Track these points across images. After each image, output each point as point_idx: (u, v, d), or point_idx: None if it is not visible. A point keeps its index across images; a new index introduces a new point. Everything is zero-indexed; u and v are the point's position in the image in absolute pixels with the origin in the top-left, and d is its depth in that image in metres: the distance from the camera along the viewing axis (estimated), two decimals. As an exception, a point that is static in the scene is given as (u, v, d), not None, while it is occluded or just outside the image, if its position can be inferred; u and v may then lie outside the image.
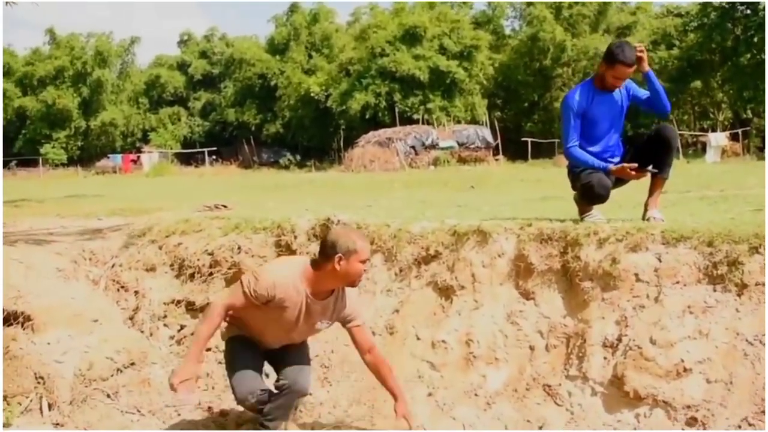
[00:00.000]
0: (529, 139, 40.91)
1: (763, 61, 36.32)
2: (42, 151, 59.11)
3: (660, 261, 4.71)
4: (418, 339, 5.20)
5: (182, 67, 64.32)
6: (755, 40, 38.22)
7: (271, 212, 7.67)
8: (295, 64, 54.43)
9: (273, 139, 56.16)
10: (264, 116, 56.79)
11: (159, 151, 57.22)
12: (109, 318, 6.18)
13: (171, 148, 58.81)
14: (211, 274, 6.63)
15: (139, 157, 55.03)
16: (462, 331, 5.09)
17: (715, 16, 41.53)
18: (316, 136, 50.49)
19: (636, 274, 4.73)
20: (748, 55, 39.74)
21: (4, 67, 61.24)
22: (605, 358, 4.60)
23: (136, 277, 7.06)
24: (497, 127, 41.98)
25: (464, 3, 53.78)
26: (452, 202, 9.49)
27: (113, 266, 7.21)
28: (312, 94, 49.16)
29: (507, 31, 54.43)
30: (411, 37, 45.89)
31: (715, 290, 4.53)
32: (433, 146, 37.59)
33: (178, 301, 6.65)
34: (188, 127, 62.58)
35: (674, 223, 5.18)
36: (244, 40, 62.00)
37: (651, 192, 5.53)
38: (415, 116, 43.43)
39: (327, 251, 4.01)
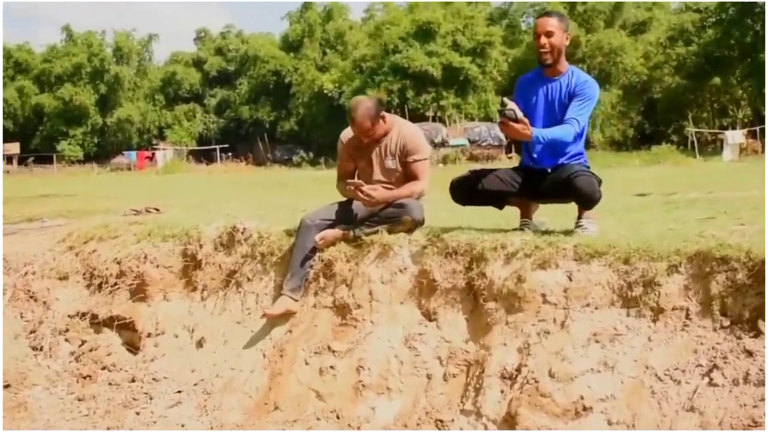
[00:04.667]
0: (543, 137, 40.02)
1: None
2: (59, 147, 59.29)
3: (570, 280, 4.13)
4: (307, 364, 4.64)
5: (198, 63, 64.09)
6: (775, 35, 37.15)
7: (206, 215, 7.14)
8: (309, 61, 54.03)
9: (287, 137, 55.78)
10: (278, 113, 56.47)
11: (174, 148, 57.14)
12: (-7, 334, 5.70)
13: (186, 145, 58.67)
14: (116, 284, 6.12)
15: (153, 154, 55.00)
16: (354, 356, 4.52)
17: (733, 11, 40.36)
18: (329, 133, 49.93)
19: (543, 295, 4.16)
20: (768, 51, 38.68)
21: (21, 64, 61.60)
22: (502, 391, 4.02)
23: (48, 286, 6.57)
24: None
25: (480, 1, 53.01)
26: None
27: (25, 274, 6.73)
28: (326, 91, 48.64)
29: (523, 27, 53.51)
30: (424, 34, 45.22)
31: (628, 315, 3.94)
32: (443, 144, 36.96)
33: (83, 314, 6.15)
34: (203, 124, 62.38)
35: (601, 234, 4.57)
36: (259, 37, 61.66)
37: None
38: (428, 113, 42.80)
39: None
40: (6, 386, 5.22)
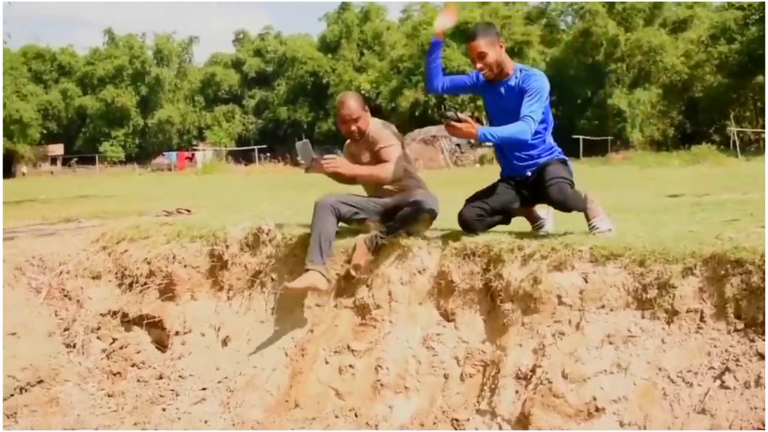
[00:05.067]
0: (581, 137, 39.72)
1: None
2: (101, 148, 60.36)
3: (586, 281, 4.15)
4: (327, 363, 4.72)
5: (237, 65, 64.85)
6: (820, 32, 36.43)
7: (234, 216, 7.26)
8: (347, 62, 54.34)
9: (325, 137, 56.10)
10: (316, 114, 56.90)
11: (213, 149, 57.81)
12: (29, 331, 5.88)
13: (225, 146, 59.32)
14: (146, 284, 6.27)
15: (193, 154, 55.74)
16: (373, 355, 4.59)
17: (778, 8, 39.76)
18: (367, 133, 50.15)
19: (559, 296, 4.18)
20: (813, 49, 37.95)
21: (65, 66, 62.67)
22: (517, 391, 4.06)
23: (81, 285, 6.74)
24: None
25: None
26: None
27: (60, 273, 6.90)
28: (363, 92, 48.85)
29: (561, 26, 53.19)
30: (462, 34, 45.12)
31: (642, 317, 3.95)
32: (480, 144, 36.86)
33: (114, 312, 6.29)
34: (242, 124, 63.09)
35: (619, 236, 4.58)
36: (297, 38, 62.12)
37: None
38: (466, 114, 42.74)
39: None
40: (39, 381, 5.37)
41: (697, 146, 33.00)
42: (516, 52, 45.54)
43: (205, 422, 4.70)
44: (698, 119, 45.94)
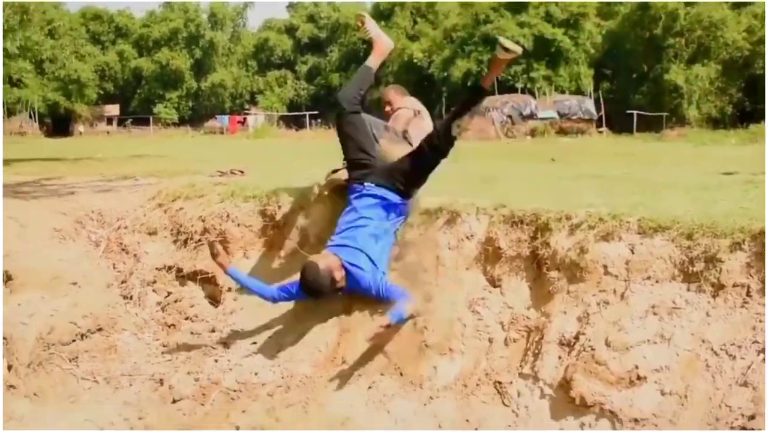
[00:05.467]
0: (636, 112, 39.08)
1: None
2: (155, 110, 61.14)
3: (632, 252, 4.21)
4: (374, 322, 4.83)
5: (290, 31, 64.91)
6: None
7: (281, 179, 7.40)
8: (400, 30, 53.94)
9: (376, 105, 56.02)
10: (368, 81, 56.78)
11: (265, 114, 58.23)
12: (89, 282, 6.10)
13: (277, 111, 59.69)
14: (200, 240, 6.45)
15: (245, 118, 56.21)
16: (419, 317, 4.70)
17: None
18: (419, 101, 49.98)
19: (605, 266, 4.25)
20: None
21: (122, 29, 63.38)
22: (559, 357, 4.14)
23: (138, 240, 6.96)
24: (602, 99, 40.44)
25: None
26: (494, 177, 8.96)
27: (118, 228, 7.14)
28: (415, 61, 48.64)
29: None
30: (516, 4, 44.59)
31: (688, 289, 4.00)
32: (531, 116, 36.56)
33: (169, 267, 6.50)
34: (294, 90, 63.30)
35: (668, 209, 4.61)
36: (350, 5, 61.82)
37: None
38: (518, 85, 42.33)
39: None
40: (99, 329, 5.59)
41: (756, 125, 32.21)
42: (572, 23, 44.89)
43: (255, 374, 4.86)
44: (758, 97, 44.77)
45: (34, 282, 5.84)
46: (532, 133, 35.56)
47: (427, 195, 5.28)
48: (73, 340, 5.45)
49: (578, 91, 43.04)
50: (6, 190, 8.32)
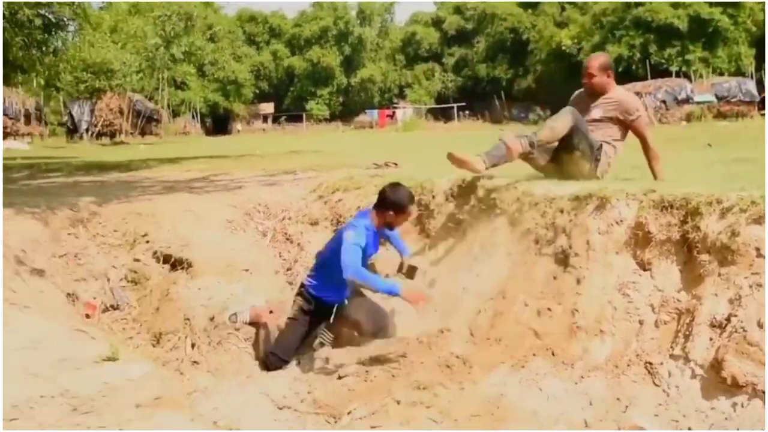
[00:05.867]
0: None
1: None
2: (307, 107, 63.21)
3: (787, 235, 4.19)
4: (526, 305, 5.05)
5: (437, 23, 65.33)
6: None
7: (438, 168, 7.70)
8: (548, 17, 53.28)
9: (524, 94, 55.57)
10: (515, 71, 56.43)
11: (413, 107, 58.96)
12: (259, 269, 6.64)
13: (425, 104, 60.30)
14: (359, 230, 6.86)
15: (394, 112, 57.17)
16: (570, 300, 4.87)
17: None
18: (566, 90, 48.99)
19: (757, 249, 4.24)
20: None
21: (275, 29, 65.72)
22: (710, 338, 4.20)
23: (301, 230, 7.50)
24: (765, 80, 38.39)
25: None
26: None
27: (283, 219, 7.68)
28: (563, 48, 47.83)
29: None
30: (665, -15, 43.07)
31: None
32: (687, 101, 35.21)
33: (330, 255, 6.95)
34: (441, 82, 63.70)
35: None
36: (497, -6, 61.60)
37: None
38: (672, 68, 40.86)
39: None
40: (270, 312, 6.10)
41: None
42: (731, 2, 42.79)
43: (412, 354, 5.17)
44: None
45: (210, 269, 6.43)
46: (688, 117, 34.26)
47: (575, 184, 5.47)
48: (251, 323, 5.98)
49: (738, 72, 41.00)
50: (180, 186, 9.09)
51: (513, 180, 6.01)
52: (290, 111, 64.22)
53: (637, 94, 34.59)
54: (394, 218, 5.56)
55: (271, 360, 5.62)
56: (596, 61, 6.26)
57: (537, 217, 5.38)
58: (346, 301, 5.73)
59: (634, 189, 5.06)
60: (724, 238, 4.38)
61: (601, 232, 4.99)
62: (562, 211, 5.25)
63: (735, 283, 4.27)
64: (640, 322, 4.62)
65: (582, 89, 6.39)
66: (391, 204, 5.54)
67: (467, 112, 56.75)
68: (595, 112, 6.20)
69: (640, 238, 4.84)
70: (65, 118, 39.21)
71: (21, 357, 4.16)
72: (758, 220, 4.32)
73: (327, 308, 5.77)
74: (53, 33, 17.18)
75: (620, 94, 6.35)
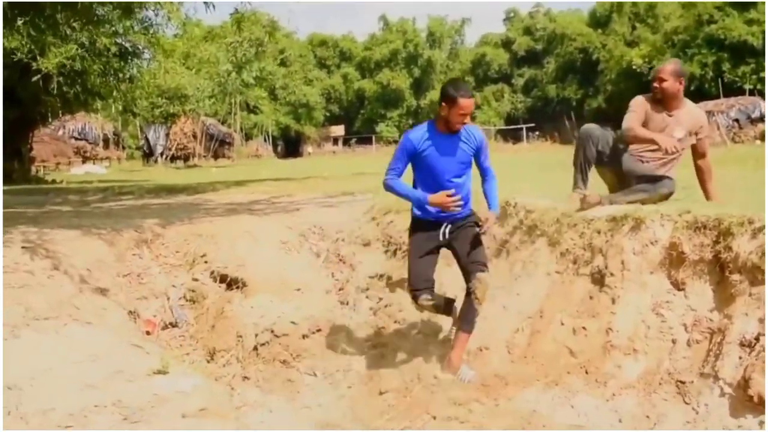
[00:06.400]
0: None
1: None
2: (377, 129, 63.88)
3: (817, 255, 4.24)
4: (562, 324, 5.16)
5: (506, 44, 65.31)
6: None
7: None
8: (618, 37, 52.72)
9: (595, 115, 54.98)
10: (585, 91, 55.98)
11: (483, 128, 58.94)
12: (310, 288, 6.89)
13: (495, 125, 60.25)
14: (408, 251, 7.05)
15: (463, 134, 57.18)
16: (605, 319, 4.97)
17: None
18: (639, 110, 48.53)
19: (788, 269, 4.30)
20: None
21: (345, 52, 66.73)
22: (740, 357, 4.26)
23: (354, 251, 7.72)
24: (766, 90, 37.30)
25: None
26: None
27: (336, 240, 7.93)
28: (634, 67, 47.21)
29: None
30: (743, 2, 42.21)
31: None
32: (761, 119, 34.41)
33: (381, 275, 7.18)
34: (511, 103, 63.57)
35: None
36: (566, 14, 61.30)
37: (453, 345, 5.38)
38: (746, 86, 40.00)
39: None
40: (318, 330, 6.33)
41: None
42: None
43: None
44: None
45: (264, 288, 6.70)
46: (761, 136, 33.48)
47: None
48: (298, 339, 6.22)
49: (815, 89, 39.91)
50: (242, 208, 9.45)
51: (553, 202, 6.14)
52: (360, 133, 64.97)
53: (709, 113, 34.06)
54: (448, 112, 5.16)
55: (411, 295, 5.50)
56: (669, 66, 6.18)
57: (575, 238, 5.51)
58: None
59: (668, 210, 5.15)
60: (755, 258, 4.45)
61: (636, 252, 5.09)
62: (599, 232, 5.37)
63: (765, 302, 4.33)
64: (673, 341, 4.70)
65: (642, 95, 6.26)
66: (443, 96, 5.24)
67: (537, 133, 56.47)
68: (678, 131, 5.99)
69: (675, 258, 4.93)
70: (141, 142, 40.66)
71: (80, 369, 4.49)
72: (789, 241, 4.37)
73: (426, 224, 5.44)
74: (129, 60, 17.91)
75: (693, 106, 6.31)
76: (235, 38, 29.81)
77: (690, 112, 6.14)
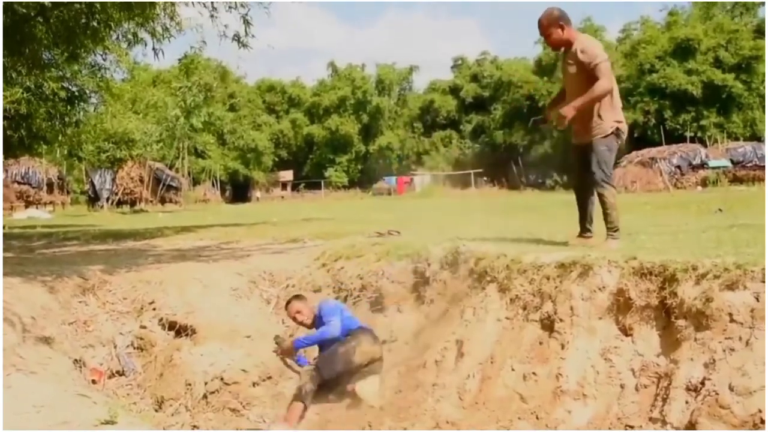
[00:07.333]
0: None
1: None
2: (326, 174, 64.00)
3: (757, 300, 4.35)
4: (513, 370, 5.20)
5: (454, 91, 66.18)
6: None
7: (437, 238, 7.91)
8: (560, 82, 53.84)
9: (541, 160, 55.92)
10: (532, 137, 56.82)
11: (431, 174, 59.49)
12: (262, 335, 6.83)
13: (443, 170, 60.79)
14: (359, 296, 7.07)
15: (412, 179, 57.67)
16: (554, 365, 5.02)
17: None
18: (584, 156, 49.44)
19: (730, 314, 4.40)
20: None
21: (294, 98, 67.01)
22: (686, 402, 4.33)
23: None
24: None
25: (746, 10, 49.87)
26: (640, 230, 9.01)
27: (287, 287, 7.89)
28: (579, 114, 48.27)
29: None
30: (683, 51, 43.76)
31: (814, 335, 4.10)
32: (702, 165, 35.43)
33: (332, 321, 7.13)
34: (459, 149, 64.26)
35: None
36: (513, 62, 62.48)
37: None
38: (687, 134, 41.20)
39: None
40: (268, 377, 6.28)
41: None
42: (744, 67, 43.38)
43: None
44: None
45: (214, 335, 6.63)
46: (703, 182, 34.45)
47: (563, 250, 5.67)
48: (248, 386, 6.15)
49: (753, 137, 41.26)
50: (190, 254, 9.35)
51: (503, 248, 6.22)
52: (309, 178, 65.04)
53: (652, 159, 34.98)
54: None
55: None
56: (544, 19, 6.16)
57: (525, 284, 5.57)
58: None
59: (615, 256, 5.25)
60: (699, 303, 4.55)
61: (585, 298, 5.17)
62: (548, 278, 5.44)
63: (709, 347, 4.42)
64: (621, 386, 4.76)
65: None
66: None
67: (485, 178, 57.09)
68: (571, 68, 6.20)
69: (622, 304, 5.02)
70: (87, 186, 40.06)
71: (24, 420, 4.36)
72: (731, 286, 4.48)
73: None
74: (76, 104, 17.73)
75: (583, 39, 6.24)
76: (183, 83, 29.91)
77: (579, 47, 6.17)
